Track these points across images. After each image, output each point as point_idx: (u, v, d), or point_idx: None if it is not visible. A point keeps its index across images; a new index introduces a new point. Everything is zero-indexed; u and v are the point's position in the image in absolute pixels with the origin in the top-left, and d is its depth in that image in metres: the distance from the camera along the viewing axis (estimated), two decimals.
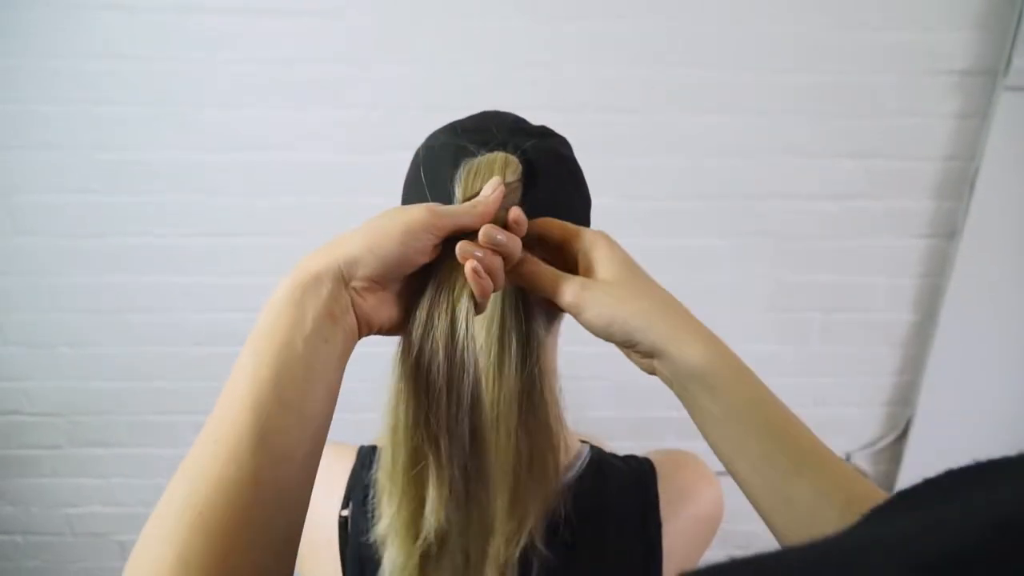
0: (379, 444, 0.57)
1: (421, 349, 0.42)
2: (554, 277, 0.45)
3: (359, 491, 0.56)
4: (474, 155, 0.46)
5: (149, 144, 1.31)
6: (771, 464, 0.40)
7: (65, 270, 1.40)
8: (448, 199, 0.45)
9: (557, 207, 0.48)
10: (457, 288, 0.42)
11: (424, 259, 0.41)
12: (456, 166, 0.46)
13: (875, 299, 1.47)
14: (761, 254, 1.42)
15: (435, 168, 0.48)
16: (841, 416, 1.58)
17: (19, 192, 1.34)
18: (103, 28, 1.23)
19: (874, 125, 1.32)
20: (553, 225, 0.47)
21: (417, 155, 0.51)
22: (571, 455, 0.57)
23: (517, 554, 0.48)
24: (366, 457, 0.58)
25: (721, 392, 0.42)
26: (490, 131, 0.48)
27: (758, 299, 1.46)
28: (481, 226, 0.41)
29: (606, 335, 0.44)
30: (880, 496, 0.39)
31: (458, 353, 0.41)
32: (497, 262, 0.42)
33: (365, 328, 0.41)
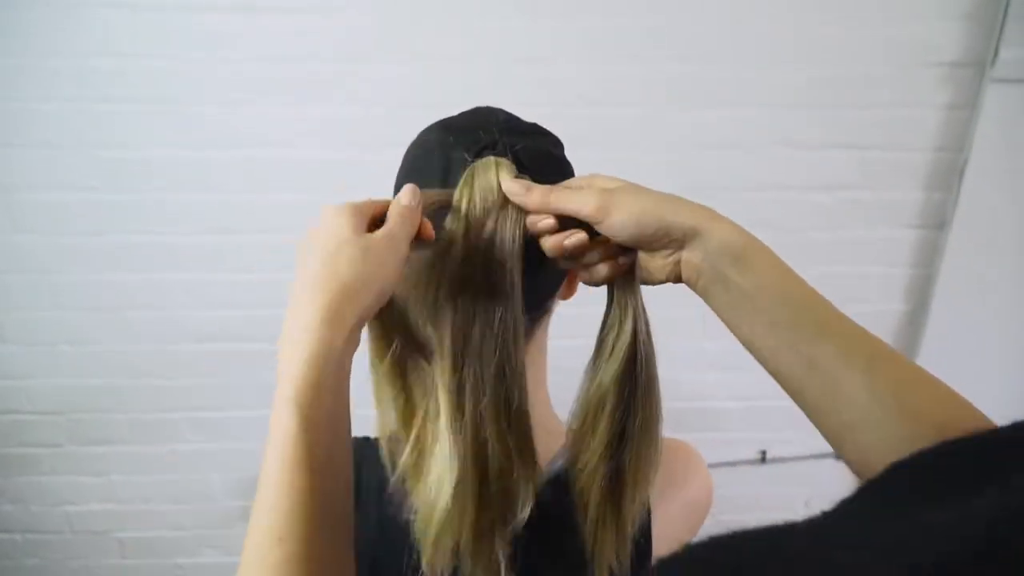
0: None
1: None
2: (572, 194, 0.46)
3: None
4: (464, 157, 0.47)
5: (149, 142, 1.32)
6: (798, 331, 0.42)
7: (65, 268, 1.40)
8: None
9: None
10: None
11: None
12: (446, 167, 0.47)
13: (867, 289, 1.49)
14: None
15: (425, 168, 0.49)
16: None
17: (19, 190, 1.34)
18: (103, 27, 1.24)
19: (865, 117, 1.34)
20: (552, 200, 0.47)
21: (408, 153, 0.52)
22: (561, 442, 0.57)
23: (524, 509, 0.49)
24: (360, 451, 0.57)
25: (752, 265, 0.43)
26: (480, 131, 0.49)
27: None
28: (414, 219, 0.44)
29: (637, 229, 0.44)
30: (901, 360, 0.41)
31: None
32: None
33: None
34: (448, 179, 0.48)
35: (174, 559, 1.69)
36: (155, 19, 1.24)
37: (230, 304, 1.45)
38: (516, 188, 0.45)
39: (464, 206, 0.46)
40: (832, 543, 0.21)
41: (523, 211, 0.46)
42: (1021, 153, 1.35)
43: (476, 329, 0.45)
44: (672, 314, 1.32)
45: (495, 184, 0.46)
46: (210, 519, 1.65)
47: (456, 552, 0.47)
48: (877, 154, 1.37)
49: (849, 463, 0.42)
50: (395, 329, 0.48)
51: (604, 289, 0.49)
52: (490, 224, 0.46)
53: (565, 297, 0.56)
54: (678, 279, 0.47)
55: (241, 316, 1.46)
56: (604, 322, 0.49)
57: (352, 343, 0.41)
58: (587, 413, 0.49)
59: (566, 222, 0.46)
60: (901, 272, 1.47)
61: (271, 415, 0.39)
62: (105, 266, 1.41)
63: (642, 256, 0.47)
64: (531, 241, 0.47)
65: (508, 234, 0.46)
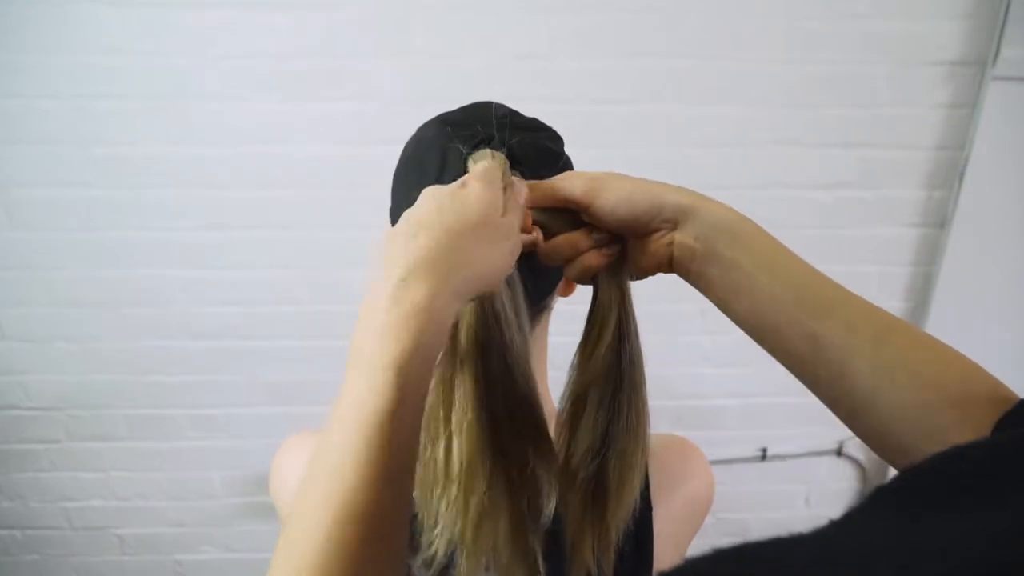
0: None
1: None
2: (558, 181, 0.45)
3: None
4: (461, 151, 0.47)
5: (146, 138, 1.31)
6: (801, 306, 0.41)
7: (62, 264, 1.40)
8: None
9: None
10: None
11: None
12: (443, 160, 0.47)
13: (868, 288, 1.48)
14: None
15: (423, 163, 0.49)
16: None
17: (16, 187, 1.34)
18: (99, 23, 1.23)
19: (866, 115, 1.34)
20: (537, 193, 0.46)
21: (406, 148, 0.52)
22: None
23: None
24: None
25: (749, 242, 0.42)
26: (479, 125, 0.48)
27: None
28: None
29: (629, 207, 0.44)
30: (910, 328, 0.40)
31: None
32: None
33: None
34: (444, 173, 0.47)
35: (174, 555, 1.69)
36: (150, 15, 1.23)
37: (228, 300, 1.45)
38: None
39: None
40: (840, 558, 0.20)
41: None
42: (1022, 152, 1.35)
43: (478, 322, 0.45)
44: (671, 310, 1.33)
45: None
46: (210, 516, 1.65)
47: (494, 549, 0.45)
48: (878, 152, 1.37)
49: (864, 439, 0.40)
50: None
51: None
52: None
53: (564, 294, 0.56)
54: (670, 266, 0.45)
55: (239, 312, 1.45)
56: (588, 318, 0.48)
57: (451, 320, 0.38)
58: (567, 414, 0.48)
59: (553, 216, 0.46)
60: (901, 271, 1.47)
61: (346, 382, 0.35)
62: (103, 262, 1.40)
63: (631, 244, 0.46)
64: None
65: None
